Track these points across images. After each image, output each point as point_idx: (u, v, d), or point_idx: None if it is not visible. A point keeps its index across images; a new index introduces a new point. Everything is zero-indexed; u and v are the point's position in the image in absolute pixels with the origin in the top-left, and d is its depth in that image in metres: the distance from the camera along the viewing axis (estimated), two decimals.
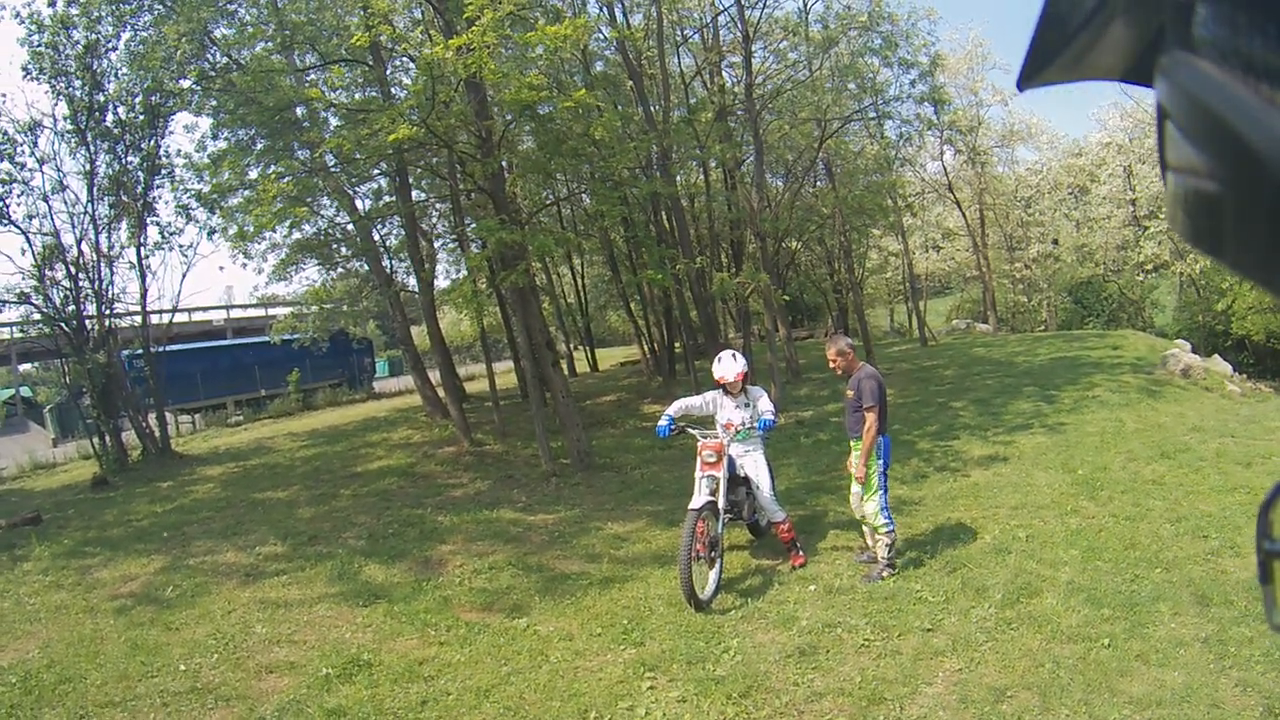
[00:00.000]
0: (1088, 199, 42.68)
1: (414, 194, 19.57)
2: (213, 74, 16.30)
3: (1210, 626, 6.12)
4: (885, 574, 7.63)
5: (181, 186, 19.69)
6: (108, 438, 19.18)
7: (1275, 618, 0.69)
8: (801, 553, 8.45)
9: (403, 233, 20.45)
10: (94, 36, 18.09)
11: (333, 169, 15.74)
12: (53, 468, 22.66)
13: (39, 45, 17.83)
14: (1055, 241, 42.33)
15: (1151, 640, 6.00)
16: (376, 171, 17.68)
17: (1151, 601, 6.62)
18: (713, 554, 7.70)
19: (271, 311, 49.58)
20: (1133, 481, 10.15)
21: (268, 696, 6.54)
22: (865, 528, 8.09)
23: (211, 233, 19.68)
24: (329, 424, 24.68)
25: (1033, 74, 0.67)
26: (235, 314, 49.36)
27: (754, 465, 8.38)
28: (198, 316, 41.75)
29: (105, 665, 7.42)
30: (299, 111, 16.27)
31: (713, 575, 7.66)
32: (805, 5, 21.92)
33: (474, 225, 14.10)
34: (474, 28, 10.75)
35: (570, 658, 6.73)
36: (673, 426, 8.28)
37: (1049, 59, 0.65)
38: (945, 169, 36.95)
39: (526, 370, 15.16)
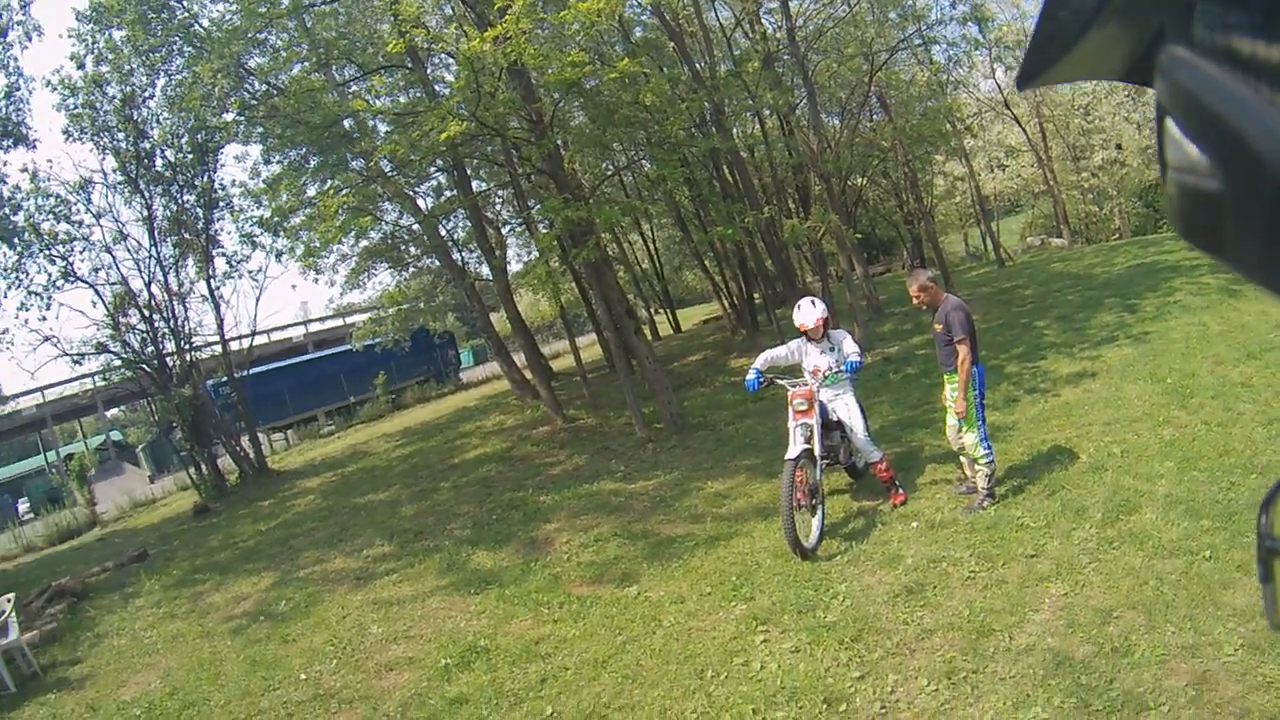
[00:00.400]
0: (1146, 99, 40.80)
1: (475, 185, 19.63)
2: (254, 102, 16.46)
3: None
4: (986, 504, 7.58)
5: (244, 216, 20.22)
6: (203, 466, 19.70)
7: (1276, 617, 0.68)
8: (901, 490, 8.43)
9: (469, 224, 20.62)
10: (129, 89, 18.57)
11: (390, 174, 15.87)
12: (153, 503, 23.27)
13: (75, 108, 18.34)
14: (1119, 146, 40.98)
15: (1251, 549, 5.82)
16: (433, 170, 17.75)
17: (1249, 509, 6.40)
18: (814, 501, 7.72)
19: (349, 320, 50.46)
20: (1222, 386, 9.89)
21: (389, 694, 6.71)
22: (964, 459, 8.04)
23: (279, 255, 20.12)
24: (421, 420, 25.07)
25: (1033, 74, 0.67)
26: (314, 328, 50.09)
27: (845, 408, 8.35)
28: (277, 336, 42.29)
29: (227, 685, 7.64)
30: (346, 124, 16.39)
31: (815, 523, 7.68)
32: None
33: (539, 206, 14.10)
34: (507, 16, 10.76)
35: (683, 620, 6.81)
36: (761, 379, 8.31)
37: (1049, 59, 0.64)
38: (999, 86, 36.37)
39: (610, 341, 15.26)
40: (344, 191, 14.26)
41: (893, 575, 6.69)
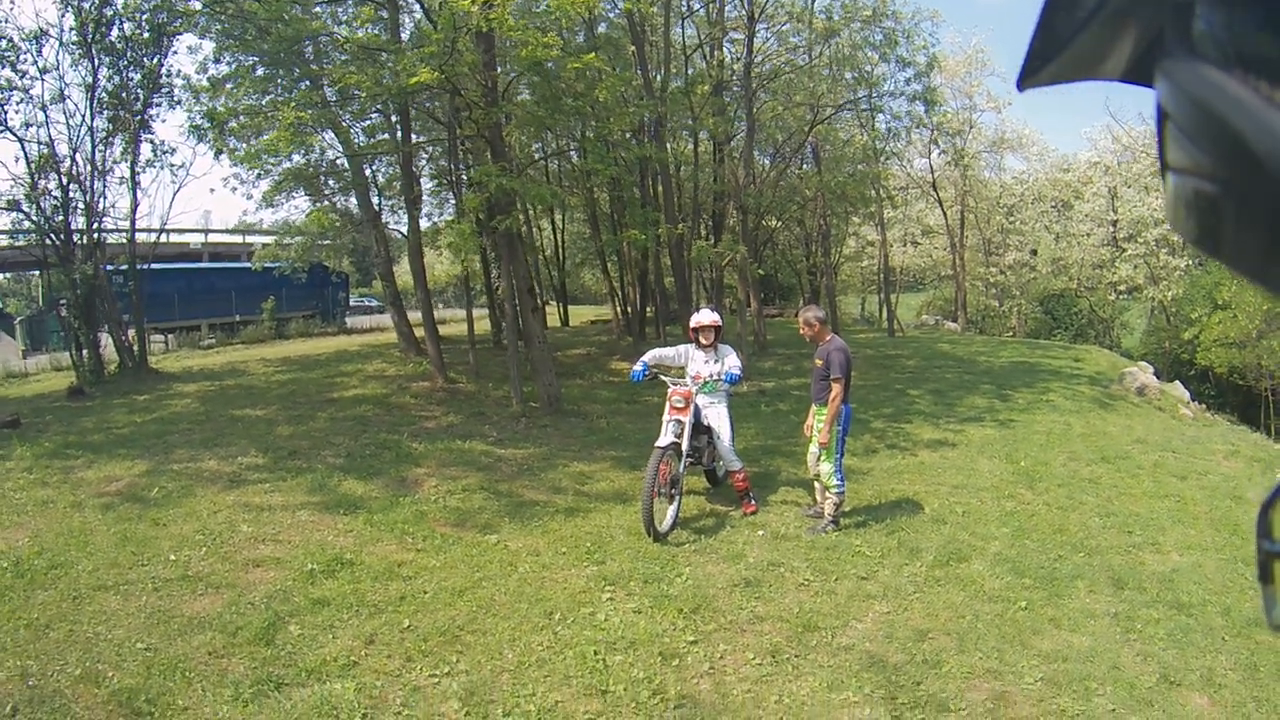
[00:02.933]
0: (1070, 214, 43.08)
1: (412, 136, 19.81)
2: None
3: (1121, 605, 6.83)
4: (829, 529, 8.28)
5: (197, 107, 19.60)
6: (85, 349, 19.24)
7: (1275, 618, 0.66)
8: (754, 501, 9.13)
9: (390, 170, 20.77)
10: None
11: (330, 103, 16.06)
12: (24, 377, 22.97)
13: None
14: (1033, 251, 42.85)
15: (1065, 609, 6.71)
16: (374, 111, 17.95)
17: (1070, 579, 7.33)
18: (673, 491, 8.35)
19: (248, 239, 49.65)
20: (1070, 478, 10.81)
21: (255, 586, 7.03)
22: (817, 485, 8.70)
23: (219, 152, 19.87)
24: (301, 353, 25.01)
25: (1032, 74, 0.69)
26: (213, 238, 49.28)
27: (717, 416, 9.00)
28: (175, 238, 41.63)
29: (95, 554, 7.79)
30: (308, 45, 16.50)
31: (671, 510, 8.31)
32: None
33: (472, 170, 14.38)
34: None
35: (537, 570, 7.38)
36: (646, 372, 8.91)
37: (1048, 59, 0.66)
38: (931, 167, 37.56)
39: (507, 314, 15.60)
40: (296, 107, 14.32)
41: (734, 569, 7.35)
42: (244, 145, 18.11)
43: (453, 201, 26.47)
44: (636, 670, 5.51)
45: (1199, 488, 10.69)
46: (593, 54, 13.14)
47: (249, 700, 5.20)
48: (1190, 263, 35.32)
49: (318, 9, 16.76)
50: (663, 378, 9.06)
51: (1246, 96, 0.49)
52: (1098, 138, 41.32)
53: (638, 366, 8.95)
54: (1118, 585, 7.26)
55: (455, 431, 13.34)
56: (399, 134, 18.54)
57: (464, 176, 18.54)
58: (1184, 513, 9.57)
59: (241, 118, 17.08)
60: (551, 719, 4.97)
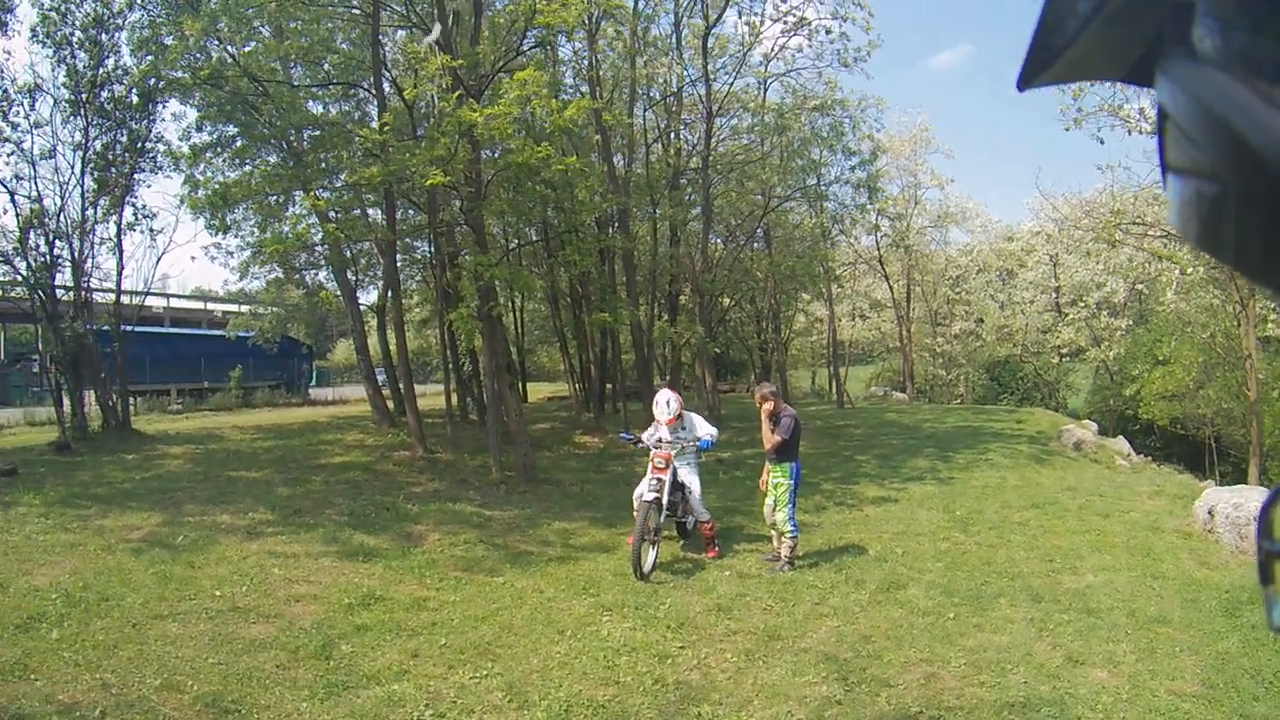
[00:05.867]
0: (1014, 282, 44.42)
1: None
2: (214, 74, 16.58)
3: (1037, 613, 8.27)
4: (786, 569, 9.76)
5: (182, 176, 20.12)
6: (68, 405, 18.91)
7: (1275, 618, 0.66)
8: (718, 547, 10.73)
9: (359, 248, 21.89)
10: (103, 8, 18.23)
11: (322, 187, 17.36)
12: (0, 429, 22.71)
13: (49, 8, 17.65)
14: (979, 320, 43.88)
15: (988, 618, 8.18)
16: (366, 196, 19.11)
17: (994, 596, 8.81)
18: (655, 537, 9.89)
19: (208, 305, 50.37)
20: (1001, 522, 12.24)
21: (301, 616, 8.11)
22: (774, 533, 10.22)
23: (226, 230, 20.16)
24: (271, 422, 25.44)
25: (1033, 74, 0.69)
26: (175, 303, 49.70)
27: (689, 473, 10.57)
28: (144, 300, 42.00)
29: (140, 589, 8.41)
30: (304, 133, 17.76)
31: (652, 554, 9.85)
32: (764, 82, 24.27)
33: (467, 258, 15.41)
34: (502, 101, 12.89)
35: (544, 602, 8.79)
36: (632, 436, 10.92)
37: (1049, 60, 0.66)
38: (878, 244, 38.90)
39: (485, 389, 16.82)
40: (324, 195, 15.44)
41: (707, 599, 8.82)
42: (228, 216, 19.11)
43: (418, 279, 27.71)
44: (639, 667, 6.93)
45: (1120, 523, 11.92)
46: (574, 158, 14.70)
47: (323, 699, 6.31)
48: (1130, 322, 36.42)
49: (304, 92, 18.17)
50: (646, 442, 10.62)
51: (1246, 96, 0.50)
52: (1038, 207, 41.88)
53: (624, 433, 11.33)
54: (1035, 599, 8.68)
55: (443, 495, 14.27)
56: (380, 218, 19.64)
57: (446, 262, 19.46)
58: (1103, 543, 10.89)
59: (217, 184, 17.98)
60: (579, 703, 6.30)
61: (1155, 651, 7.22)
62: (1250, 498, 10.76)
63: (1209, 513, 10.96)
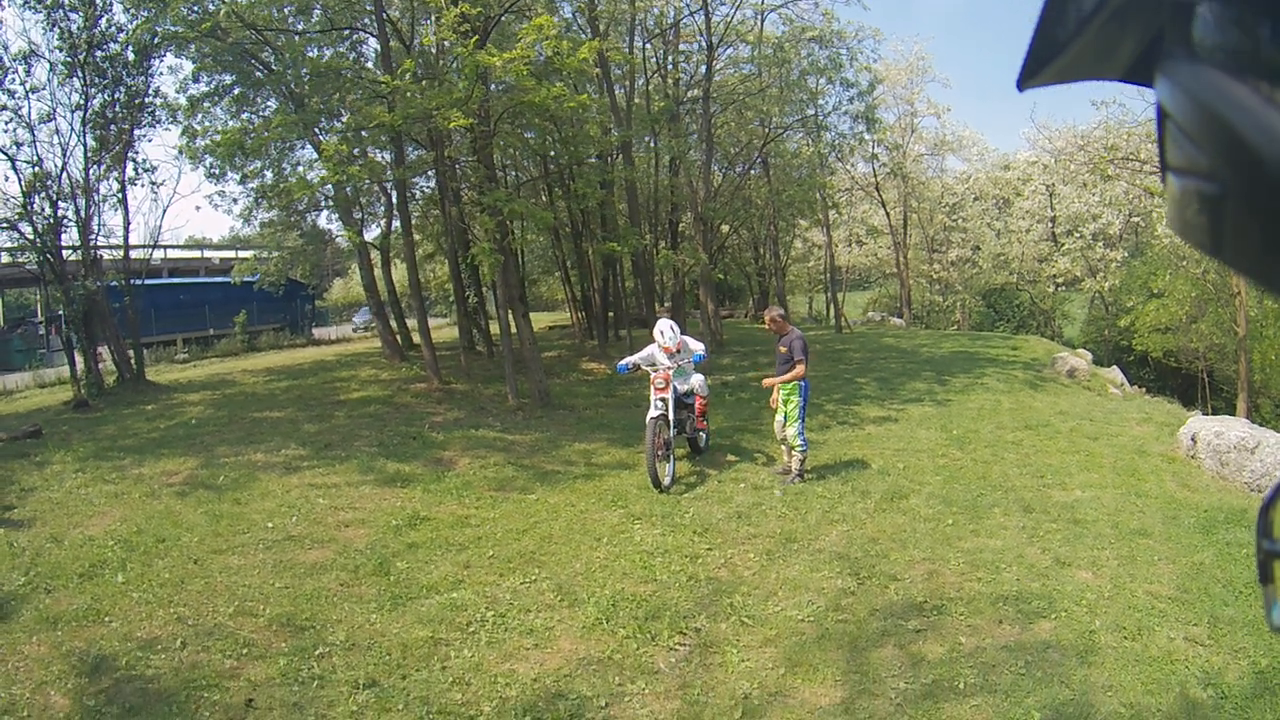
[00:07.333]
0: (1010, 211, 44.31)
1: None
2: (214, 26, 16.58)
3: (1029, 522, 8.98)
4: (796, 481, 10.46)
5: (181, 128, 20.46)
6: (82, 363, 19.23)
7: (1275, 618, 0.66)
8: (705, 421, 12.02)
9: (363, 185, 22.31)
10: None
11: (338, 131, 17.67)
12: (10, 395, 23.21)
13: None
14: (976, 248, 43.79)
15: (983, 524, 8.93)
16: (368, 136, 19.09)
17: (989, 507, 9.52)
18: (667, 451, 10.58)
19: (205, 254, 50.40)
20: (995, 441, 12.84)
21: (354, 540, 8.69)
22: (784, 448, 10.86)
23: (244, 179, 20.63)
24: (280, 364, 25.65)
25: (1032, 74, 0.69)
26: (172, 254, 49.67)
27: (685, 380, 11.45)
28: (135, 254, 42.03)
29: (193, 529, 8.84)
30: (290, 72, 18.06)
31: (668, 468, 10.54)
32: (763, 14, 24.27)
33: (486, 195, 15.57)
34: (519, 46, 13.46)
35: (578, 514, 9.54)
36: (629, 366, 11.48)
37: (1049, 59, 0.66)
38: (875, 171, 38.42)
39: (499, 319, 17.30)
40: (342, 136, 15.89)
41: (726, 507, 9.60)
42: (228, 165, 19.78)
43: (417, 215, 27.88)
44: (673, 566, 7.71)
45: (1108, 446, 12.49)
46: (585, 94, 15.16)
47: (389, 609, 6.95)
48: (1125, 254, 36.66)
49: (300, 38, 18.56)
50: (644, 366, 11.23)
51: (1246, 96, 0.50)
52: (1035, 137, 41.30)
53: (621, 362, 11.65)
54: (1027, 510, 9.38)
55: (464, 423, 14.81)
56: (389, 158, 20.08)
57: (453, 197, 19.67)
58: (1091, 463, 11.50)
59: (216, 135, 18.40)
60: (624, 598, 7.04)
61: (1136, 559, 7.91)
62: (1232, 427, 11.40)
63: (1192, 439, 11.64)
